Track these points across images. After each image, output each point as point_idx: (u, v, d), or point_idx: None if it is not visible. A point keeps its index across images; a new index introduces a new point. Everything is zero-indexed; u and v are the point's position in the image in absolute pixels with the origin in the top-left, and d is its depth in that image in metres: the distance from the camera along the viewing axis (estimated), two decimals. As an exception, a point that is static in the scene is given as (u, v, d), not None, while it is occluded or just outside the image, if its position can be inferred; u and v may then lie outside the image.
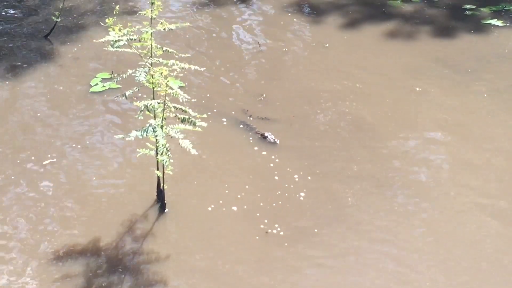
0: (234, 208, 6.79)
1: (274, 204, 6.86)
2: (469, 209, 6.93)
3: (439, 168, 7.53)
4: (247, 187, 7.09)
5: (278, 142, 7.67)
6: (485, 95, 8.96)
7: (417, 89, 9.06)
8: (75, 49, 9.74)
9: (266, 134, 7.73)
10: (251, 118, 8.16)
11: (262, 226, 6.58)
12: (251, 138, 7.83)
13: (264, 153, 7.60)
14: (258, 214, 6.71)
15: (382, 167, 7.49)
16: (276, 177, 7.26)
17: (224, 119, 8.20)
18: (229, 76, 9.29)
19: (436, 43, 10.43)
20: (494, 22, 10.96)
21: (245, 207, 6.80)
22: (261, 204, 6.84)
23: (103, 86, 8.70)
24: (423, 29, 10.83)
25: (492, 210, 6.92)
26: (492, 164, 7.63)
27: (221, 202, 6.86)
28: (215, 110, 8.32)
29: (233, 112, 8.30)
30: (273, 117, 8.27)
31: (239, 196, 6.93)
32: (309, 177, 7.24)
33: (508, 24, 10.88)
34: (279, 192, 7.02)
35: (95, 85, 8.72)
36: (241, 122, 8.03)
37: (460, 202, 7.03)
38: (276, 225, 6.57)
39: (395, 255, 6.33)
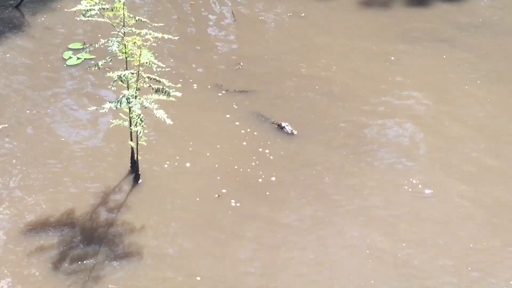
0: (205, 176, 6.81)
1: (241, 169, 6.89)
2: (444, 174, 7.03)
3: (412, 134, 7.59)
4: (218, 150, 7.09)
5: (296, 132, 7.40)
6: (459, 64, 9.01)
7: (392, 58, 9.08)
8: (46, 19, 9.57)
9: (283, 125, 7.45)
10: (224, 92, 8.09)
11: (224, 191, 6.62)
12: (235, 105, 7.83)
13: (237, 123, 7.58)
14: (218, 178, 6.74)
15: (357, 133, 7.52)
16: (244, 143, 7.31)
17: (195, 85, 8.19)
18: (204, 46, 9.21)
19: (411, 12, 10.42)
20: (470, -9, 10.95)
21: (218, 178, 6.82)
22: (234, 167, 6.86)
23: (78, 58, 8.57)
24: (398, -2, 10.83)
25: (464, 168, 7.10)
26: (466, 128, 7.74)
27: (194, 173, 6.85)
28: (190, 80, 8.27)
29: (209, 86, 8.22)
30: (250, 88, 8.21)
31: (211, 161, 6.94)
32: (284, 145, 7.27)
33: (484, -6, 10.90)
34: (253, 162, 7.05)
35: (69, 58, 8.58)
36: (256, 113, 7.76)
37: (434, 166, 7.14)
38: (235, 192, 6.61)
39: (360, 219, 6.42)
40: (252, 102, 7.91)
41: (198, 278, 5.76)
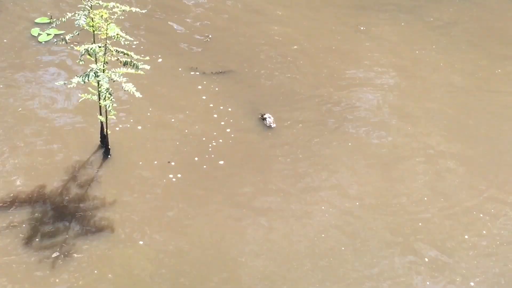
0: (171, 149, 6.82)
1: (212, 144, 6.91)
2: (410, 143, 7.18)
3: (382, 102, 7.70)
4: (186, 120, 7.11)
5: (274, 126, 7.27)
6: (427, 32, 9.09)
7: (361, 28, 9.11)
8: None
9: (265, 116, 7.39)
10: (198, 73, 8.00)
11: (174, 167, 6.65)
12: (205, 82, 7.80)
13: (204, 97, 7.57)
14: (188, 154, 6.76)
15: (326, 107, 7.58)
16: (215, 115, 7.33)
17: (161, 60, 8.16)
18: (173, 20, 9.13)
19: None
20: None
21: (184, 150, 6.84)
22: (202, 138, 6.88)
23: (48, 35, 8.45)
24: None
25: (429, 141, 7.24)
26: (432, 98, 7.89)
27: (161, 149, 6.86)
28: (159, 55, 8.21)
29: (180, 69, 8.14)
30: (226, 68, 8.14)
31: (179, 133, 6.95)
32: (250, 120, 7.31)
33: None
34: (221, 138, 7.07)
35: (38, 34, 8.45)
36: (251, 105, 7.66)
37: (402, 135, 7.28)
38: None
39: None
40: (229, 85, 7.89)
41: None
